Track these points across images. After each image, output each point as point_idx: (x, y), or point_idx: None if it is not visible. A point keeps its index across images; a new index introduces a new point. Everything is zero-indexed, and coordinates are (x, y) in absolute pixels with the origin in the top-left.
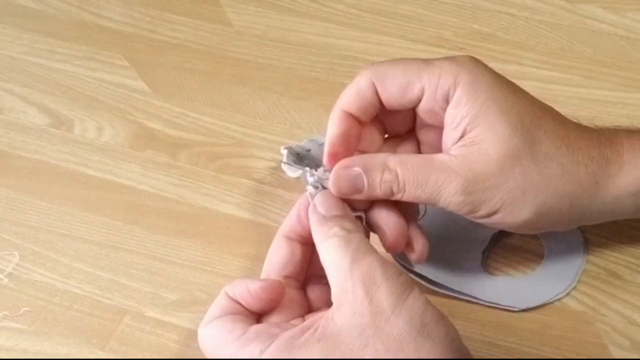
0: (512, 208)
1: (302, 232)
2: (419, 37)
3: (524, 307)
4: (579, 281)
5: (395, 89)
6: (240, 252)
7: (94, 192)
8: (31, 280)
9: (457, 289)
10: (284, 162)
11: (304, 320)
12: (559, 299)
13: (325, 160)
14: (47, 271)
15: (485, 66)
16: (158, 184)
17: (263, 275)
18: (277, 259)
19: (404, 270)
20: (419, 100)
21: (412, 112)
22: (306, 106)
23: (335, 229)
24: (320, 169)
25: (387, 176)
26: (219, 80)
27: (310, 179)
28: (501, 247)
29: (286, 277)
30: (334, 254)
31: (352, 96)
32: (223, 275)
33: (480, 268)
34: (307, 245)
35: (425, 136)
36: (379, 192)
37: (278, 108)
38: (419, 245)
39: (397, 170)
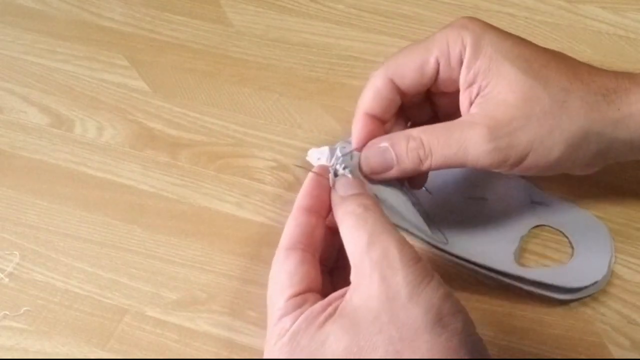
0: (543, 147)
1: (315, 204)
2: (419, 37)
3: (565, 289)
4: (611, 274)
5: (413, 73)
6: (241, 252)
7: (94, 192)
8: (31, 279)
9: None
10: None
11: None
12: (595, 290)
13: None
14: (48, 271)
15: (485, 23)
16: (158, 184)
17: (280, 245)
18: (292, 228)
19: (437, 249)
20: (437, 74)
21: (430, 100)
22: (306, 106)
23: (352, 206)
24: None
25: (412, 144)
26: (219, 80)
27: (339, 156)
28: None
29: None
30: (350, 233)
31: (371, 98)
32: (223, 275)
33: (513, 258)
34: (322, 218)
35: (446, 118)
36: (408, 162)
37: (278, 108)
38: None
39: (421, 137)
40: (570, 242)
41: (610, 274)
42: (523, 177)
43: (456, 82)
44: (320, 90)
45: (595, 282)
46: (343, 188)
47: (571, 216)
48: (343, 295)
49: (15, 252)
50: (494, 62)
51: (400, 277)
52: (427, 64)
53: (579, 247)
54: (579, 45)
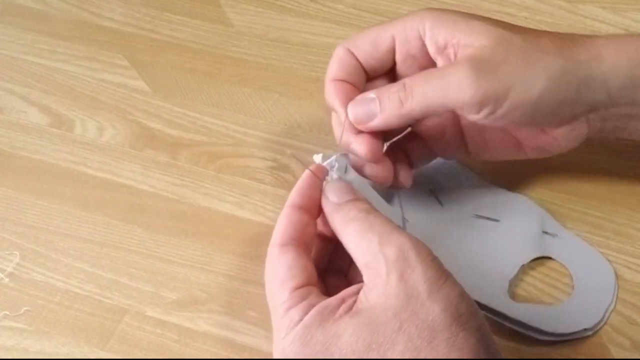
0: (525, 80)
1: (307, 203)
2: None
3: (550, 333)
4: (607, 318)
5: (367, 45)
6: (241, 252)
7: (94, 192)
8: (32, 279)
9: (484, 303)
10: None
11: None
12: (585, 335)
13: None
14: (48, 271)
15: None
16: (158, 184)
17: (272, 242)
18: (284, 225)
19: None
20: (393, 51)
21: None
22: (306, 106)
23: (353, 212)
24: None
25: (395, 87)
26: (219, 80)
27: (335, 164)
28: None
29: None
30: (357, 237)
31: (335, 66)
32: (223, 275)
33: (507, 296)
34: (314, 218)
35: None
36: (389, 105)
37: (278, 108)
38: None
39: (404, 81)
40: (572, 280)
41: (606, 322)
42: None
43: (417, 58)
44: (320, 90)
45: (585, 329)
46: (335, 194)
47: (580, 253)
48: (357, 292)
49: (15, 252)
50: (461, 22)
51: (418, 274)
52: (382, 37)
53: (580, 287)
54: None
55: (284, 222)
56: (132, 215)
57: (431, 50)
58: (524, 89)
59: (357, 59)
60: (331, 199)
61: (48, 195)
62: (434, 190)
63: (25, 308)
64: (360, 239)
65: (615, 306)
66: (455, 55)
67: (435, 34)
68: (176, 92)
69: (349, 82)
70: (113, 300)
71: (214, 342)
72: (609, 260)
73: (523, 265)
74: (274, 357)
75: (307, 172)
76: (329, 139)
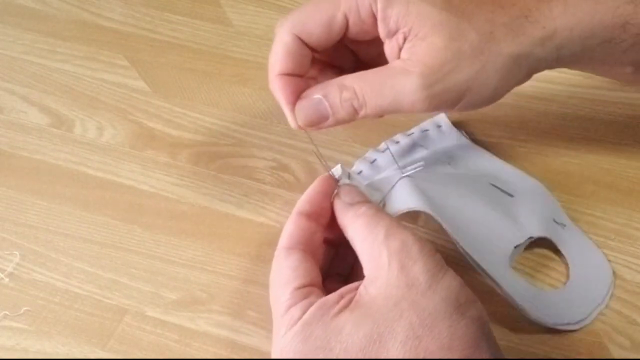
0: (478, 84)
1: (316, 210)
2: None
3: (532, 316)
4: (596, 317)
5: (320, 29)
6: (241, 252)
7: (94, 192)
8: (32, 279)
9: (484, 266)
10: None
11: None
12: (573, 329)
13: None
14: (48, 271)
15: None
16: (158, 184)
17: (279, 245)
18: (292, 230)
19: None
20: (346, 28)
21: (348, 48)
22: None
23: (363, 209)
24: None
25: (346, 94)
26: (219, 80)
27: (346, 180)
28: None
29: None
30: (365, 231)
31: (283, 57)
32: (223, 275)
33: (508, 262)
34: (321, 226)
35: (371, 62)
36: (343, 113)
37: (278, 108)
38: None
39: (354, 87)
40: (568, 272)
41: (591, 321)
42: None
43: (369, 32)
44: None
45: (568, 324)
46: (349, 196)
47: (584, 249)
48: (356, 289)
49: (15, 252)
50: (412, 5)
51: (419, 266)
52: (335, 19)
53: (574, 281)
54: None
55: (291, 227)
56: (132, 215)
57: (381, 31)
58: (477, 92)
59: (307, 46)
60: (344, 199)
61: (48, 195)
62: (450, 162)
63: (25, 308)
64: (367, 232)
65: (605, 307)
66: (405, 40)
67: (387, 16)
68: (176, 92)
69: (296, 75)
70: (113, 300)
71: (214, 342)
72: (609, 261)
73: (531, 238)
74: (272, 357)
75: (317, 180)
76: (328, 139)
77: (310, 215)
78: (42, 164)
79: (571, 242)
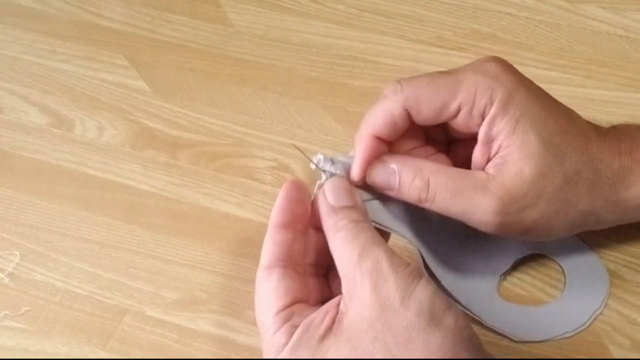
0: (547, 226)
1: (293, 220)
2: (419, 37)
3: (524, 339)
4: (591, 324)
5: (431, 113)
6: (241, 252)
7: (94, 192)
8: (32, 279)
9: (465, 304)
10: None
11: None
12: (565, 337)
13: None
14: (48, 271)
15: (517, 74)
16: (158, 184)
17: (260, 265)
18: (269, 247)
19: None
20: (455, 117)
21: (444, 125)
22: (306, 106)
23: (343, 222)
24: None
25: (418, 182)
26: (219, 80)
27: (329, 166)
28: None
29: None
30: (342, 246)
31: (382, 122)
32: (223, 275)
33: (495, 291)
34: (299, 232)
35: (458, 149)
36: (408, 196)
37: (278, 108)
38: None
39: (429, 179)
40: (565, 280)
41: (587, 327)
42: None
43: (471, 130)
44: (320, 90)
45: (566, 332)
46: (334, 197)
47: (577, 254)
48: (338, 304)
49: (15, 252)
50: (520, 127)
51: (390, 284)
52: (448, 107)
53: (572, 289)
54: (579, 45)
55: (268, 244)
56: (132, 215)
57: (481, 134)
58: (543, 231)
59: (413, 122)
60: (329, 199)
61: (48, 195)
62: None
63: (25, 308)
64: (344, 247)
65: (602, 312)
66: (497, 153)
67: (494, 124)
68: (176, 92)
69: (386, 140)
70: (113, 300)
71: (214, 342)
72: (609, 261)
73: (517, 260)
74: None
75: (283, 188)
76: (329, 139)
77: (287, 225)
78: (42, 164)
79: (563, 249)
